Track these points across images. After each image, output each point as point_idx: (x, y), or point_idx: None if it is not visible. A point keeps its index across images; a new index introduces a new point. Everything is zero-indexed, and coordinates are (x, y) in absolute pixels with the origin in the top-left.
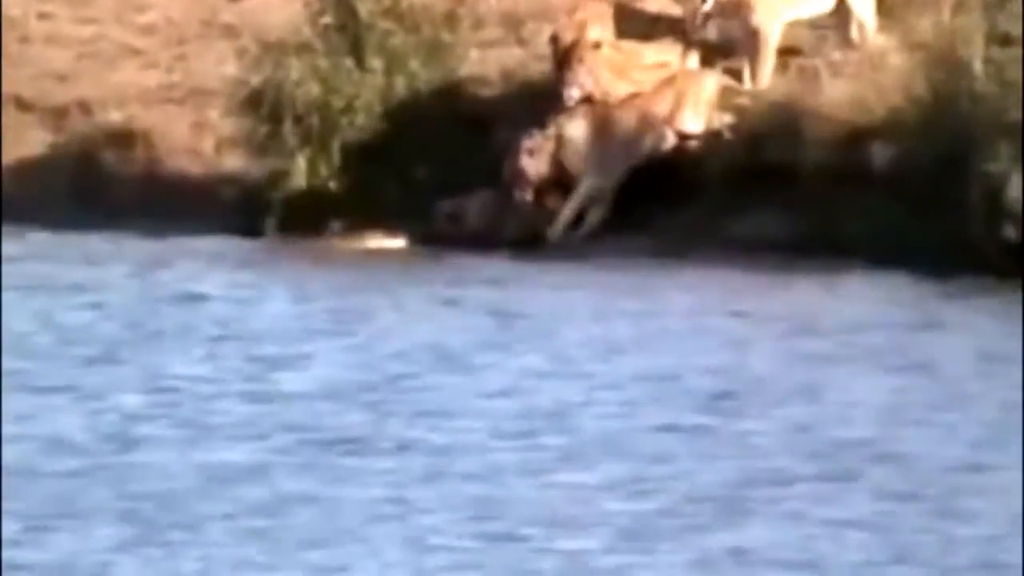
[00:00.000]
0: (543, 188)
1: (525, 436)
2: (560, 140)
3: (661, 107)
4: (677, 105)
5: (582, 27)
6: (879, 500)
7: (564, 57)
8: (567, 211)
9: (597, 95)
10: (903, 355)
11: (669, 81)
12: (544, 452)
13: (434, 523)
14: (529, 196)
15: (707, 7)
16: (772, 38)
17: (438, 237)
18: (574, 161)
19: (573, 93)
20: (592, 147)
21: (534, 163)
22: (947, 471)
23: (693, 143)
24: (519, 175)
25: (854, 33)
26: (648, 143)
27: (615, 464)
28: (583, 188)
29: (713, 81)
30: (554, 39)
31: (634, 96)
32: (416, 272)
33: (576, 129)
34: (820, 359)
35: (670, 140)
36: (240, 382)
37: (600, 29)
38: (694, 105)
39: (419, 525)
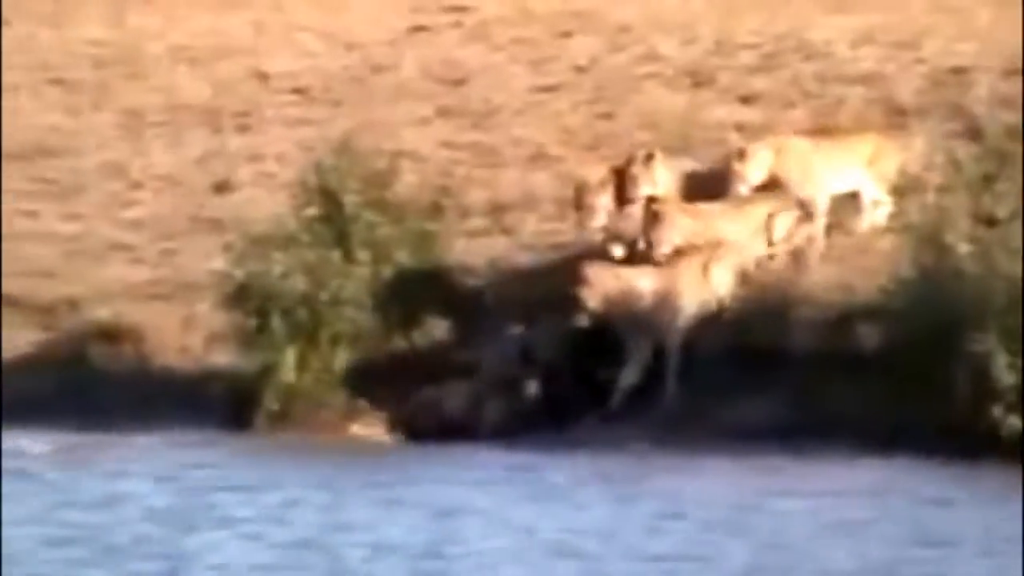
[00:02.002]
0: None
1: None
2: (628, 287)
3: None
4: (712, 261)
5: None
6: None
7: (649, 213)
8: (627, 377)
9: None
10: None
11: (718, 242)
12: None
13: None
14: (585, 322)
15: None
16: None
17: (418, 427)
18: (630, 317)
19: (664, 250)
20: (659, 306)
21: (595, 295)
22: None
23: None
24: (577, 302)
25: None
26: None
27: None
28: (640, 352)
29: (741, 255)
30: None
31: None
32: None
33: (646, 281)
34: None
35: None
36: None
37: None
38: (723, 269)
39: None
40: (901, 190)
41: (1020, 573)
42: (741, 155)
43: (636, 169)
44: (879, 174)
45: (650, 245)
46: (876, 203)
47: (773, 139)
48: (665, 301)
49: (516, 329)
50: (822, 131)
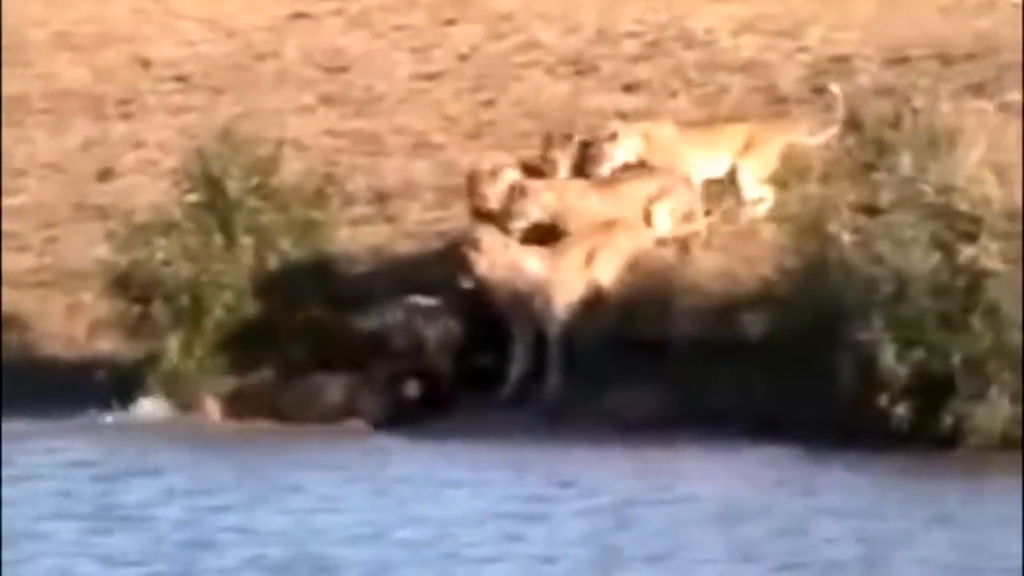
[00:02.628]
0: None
1: None
2: (515, 262)
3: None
4: (597, 250)
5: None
6: None
7: (509, 190)
8: (516, 367)
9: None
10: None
11: (608, 225)
12: None
13: None
14: (469, 284)
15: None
16: None
17: (294, 416)
18: (512, 296)
19: (519, 224)
20: (539, 289)
21: (484, 261)
22: None
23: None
24: (465, 264)
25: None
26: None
27: None
28: (525, 339)
29: (629, 242)
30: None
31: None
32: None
33: (532, 261)
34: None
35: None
36: None
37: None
38: (609, 257)
39: None
40: (782, 179)
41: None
42: (612, 137)
43: (597, 148)
44: (755, 162)
45: (510, 218)
46: (755, 195)
47: (642, 124)
48: (545, 285)
49: (398, 317)
50: (701, 120)
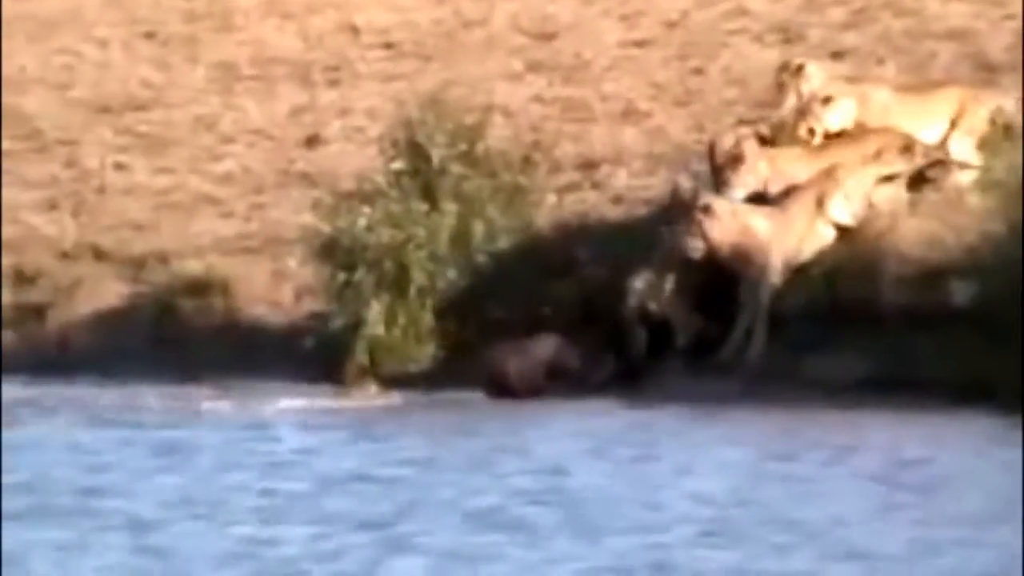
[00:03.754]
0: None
1: None
2: (745, 229)
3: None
4: (827, 192)
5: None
6: None
7: (728, 158)
8: (738, 329)
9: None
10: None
11: (829, 171)
12: None
13: None
14: (698, 254)
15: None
16: None
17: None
18: (746, 260)
19: (737, 195)
20: (775, 247)
21: (716, 225)
22: None
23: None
24: (699, 233)
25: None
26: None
27: None
28: (762, 296)
29: (871, 176)
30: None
31: (794, 189)
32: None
33: (759, 221)
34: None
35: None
36: None
37: None
38: (846, 194)
39: None
40: (990, 146)
41: None
42: (825, 101)
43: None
44: (965, 129)
45: (725, 185)
46: (963, 161)
47: (857, 88)
48: (769, 245)
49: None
50: (909, 85)
